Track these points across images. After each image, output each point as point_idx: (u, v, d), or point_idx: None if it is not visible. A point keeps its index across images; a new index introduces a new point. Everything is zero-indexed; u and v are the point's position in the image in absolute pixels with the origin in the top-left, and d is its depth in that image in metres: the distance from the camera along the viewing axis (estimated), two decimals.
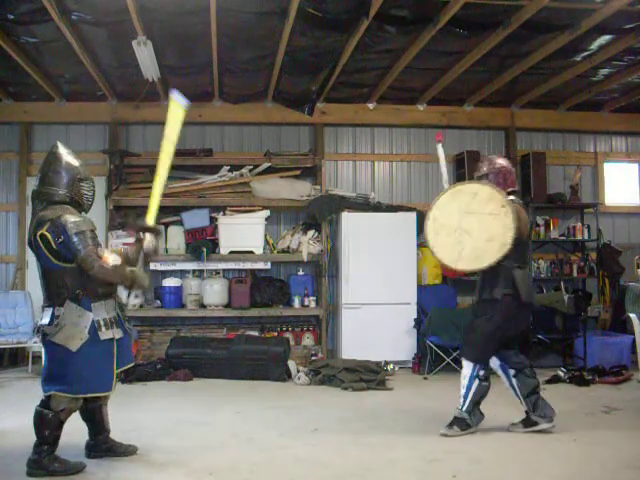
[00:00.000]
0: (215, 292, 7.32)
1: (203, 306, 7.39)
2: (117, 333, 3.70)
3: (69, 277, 3.59)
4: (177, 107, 3.85)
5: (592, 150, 8.63)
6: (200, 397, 5.70)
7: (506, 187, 4.46)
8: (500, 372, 4.49)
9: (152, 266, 4.18)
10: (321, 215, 7.38)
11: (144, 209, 7.51)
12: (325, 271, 7.52)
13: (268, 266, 7.51)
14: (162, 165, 3.81)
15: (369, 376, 6.19)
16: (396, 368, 6.85)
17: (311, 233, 7.53)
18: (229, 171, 7.52)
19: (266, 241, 7.52)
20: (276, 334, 7.46)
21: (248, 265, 7.43)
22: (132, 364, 4.03)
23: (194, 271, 7.53)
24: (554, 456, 3.94)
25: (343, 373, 6.22)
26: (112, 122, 7.77)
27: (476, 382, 4.34)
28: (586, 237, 7.98)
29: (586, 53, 6.34)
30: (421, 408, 5.31)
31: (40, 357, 6.62)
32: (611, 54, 6.24)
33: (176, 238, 7.41)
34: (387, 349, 6.99)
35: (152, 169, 7.46)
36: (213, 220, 7.43)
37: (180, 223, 7.45)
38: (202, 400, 5.57)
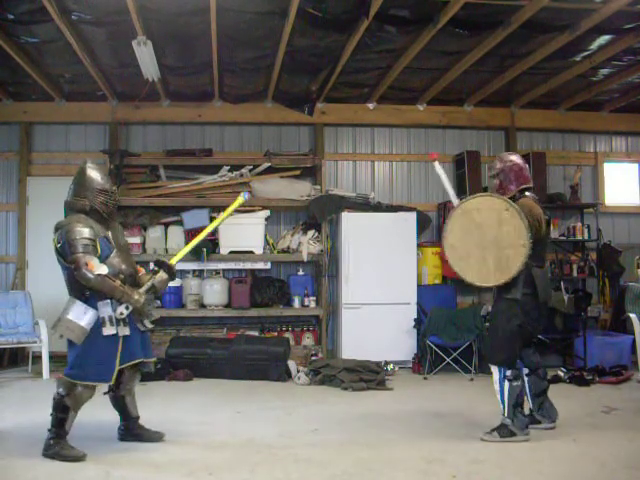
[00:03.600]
0: (215, 292, 7.32)
1: (203, 306, 7.39)
2: (123, 330, 3.93)
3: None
4: (241, 200, 4.52)
5: (592, 150, 8.62)
6: (200, 397, 5.70)
7: (518, 184, 4.42)
8: None
9: (151, 266, 4.31)
10: (321, 215, 7.38)
11: (144, 209, 7.57)
12: (325, 271, 7.52)
13: (268, 266, 7.52)
14: (206, 229, 4.47)
15: (369, 376, 6.19)
16: (396, 368, 6.85)
17: (311, 233, 7.53)
18: (229, 171, 7.52)
19: (266, 241, 7.52)
20: (276, 334, 7.46)
21: (248, 265, 7.44)
22: (140, 359, 4.06)
23: (194, 271, 7.53)
24: (554, 456, 3.94)
25: (343, 373, 6.22)
26: (112, 122, 7.77)
27: (506, 384, 4.22)
28: (586, 237, 7.97)
29: (586, 53, 6.34)
30: (421, 408, 5.31)
31: (40, 357, 6.64)
32: (611, 54, 6.23)
33: (176, 238, 7.40)
34: (387, 349, 6.99)
35: (152, 169, 7.60)
36: (213, 220, 7.42)
37: (180, 223, 7.44)
38: (202, 400, 5.57)
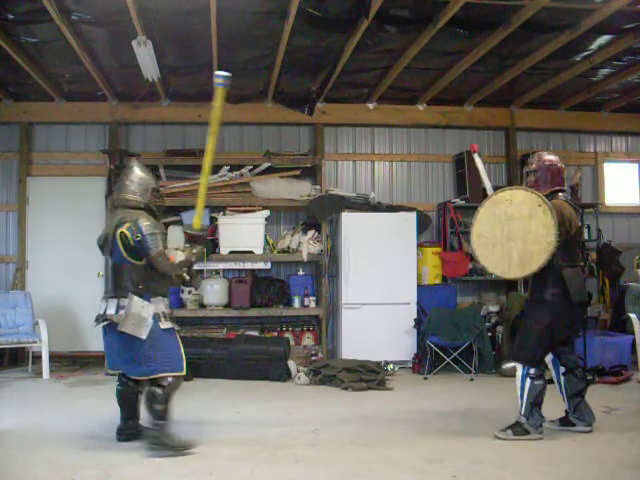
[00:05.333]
0: (215, 292, 7.32)
1: (203, 306, 7.38)
2: (175, 325, 4.20)
3: (136, 273, 4.10)
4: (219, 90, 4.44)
5: (592, 150, 8.63)
6: (200, 397, 5.69)
7: (553, 185, 4.44)
8: (550, 366, 4.48)
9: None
10: (321, 215, 7.38)
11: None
12: (325, 271, 7.52)
13: (268, 266, 7.52)
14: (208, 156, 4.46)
15: (369, 376, 6.19)
16: (396, 368, 6.85)
17: (311, 233, 7.53)
18: (229, 171, 7.52)
19: (266, 241, 7.52)
20: (276, 334, 7.47)
21: (248, 265, 7.43)
22: None
23: None
24: (554, 456, 3.94)
25: (343, 373, 6.22)
26: (112, 122, 7.77)
27: (528, 381, 4.23)
28: (586, 237, 7.97)
29: (586, 53, 6.34)
30: (421, 408, 5.31)
31: (40, 357, 6.63)
32: (611, 54, 6.24)
33: (176, 238, 7.39)
34: (387, 349, 6.99)
35: (152, 169, 7.51)
36: (213, 220, 7.42)
37: (180, 223, 7.44)
38: (202, 400, 5.56)
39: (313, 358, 7.02)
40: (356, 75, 7.09)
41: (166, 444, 3.96)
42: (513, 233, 4.23)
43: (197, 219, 4.35)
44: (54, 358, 6.96)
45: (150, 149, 7.89)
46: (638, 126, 8.51)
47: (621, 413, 5.06)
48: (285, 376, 6.49)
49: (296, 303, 7.42)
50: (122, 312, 4.00)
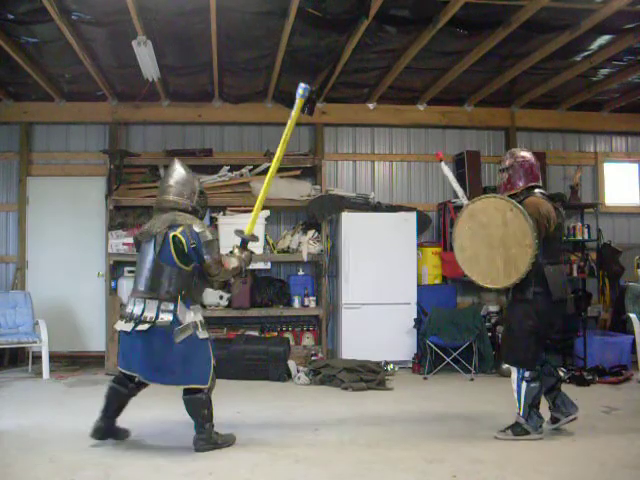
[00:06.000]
0: (215, 292, 7.30)
1: (203, 306, 7.38)
2: (209, 334, 4.19)
3: (181, 278, 4.05)
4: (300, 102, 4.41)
5: (592, 150, 8.63)
6: None
7: (527, 181, 4.45)
8: None
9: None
10: (321, 215, 7.38)
11: (144, 209, 7.54)
12: (325, 271, 7.52)
13: (268, 266, 7.52)
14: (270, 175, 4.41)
15: (369, 376, 6.19)
16: (396, 368, 6.85)
17: (311, 233, 7.53)
18: (229, 171, 7.52)
19: (266, 241, 7.52)
20: (276, 334, 7.46)
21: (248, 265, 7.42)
22: None
23: None
24: (554, 456, 3.95)
25: (343, 373, 6.22)
26: (112, 122, 7.77)
27: (524, 385, 4.25)
28: (586, 237, 7.97)
29: (586, 53, 6.34)
30: (421, 408, 5.31)
31: (40, 357, 6.63)
32: (611, 54, 6.23)
33: None
34: (387, 349, 6.99)
35: (152, 169, 7.58)
36: (213, 220, 7.42)
37: None
38: None
39: (313, 358, 7.02)
40: (356, 75, 7.09)
41: (216, 441, 4.05)
42: (493, 241, 4.24)
43: (251, 225, 4.37)
44: (54, 358, 6.96)
45: (150, 149, 7.89)
46: (638, 126, 8.51)
47: (621, 413, 5.07)
48: (285, 376, 6.49)
49: (296, 303, 7.42)
50: (164, 316, 3.95)
